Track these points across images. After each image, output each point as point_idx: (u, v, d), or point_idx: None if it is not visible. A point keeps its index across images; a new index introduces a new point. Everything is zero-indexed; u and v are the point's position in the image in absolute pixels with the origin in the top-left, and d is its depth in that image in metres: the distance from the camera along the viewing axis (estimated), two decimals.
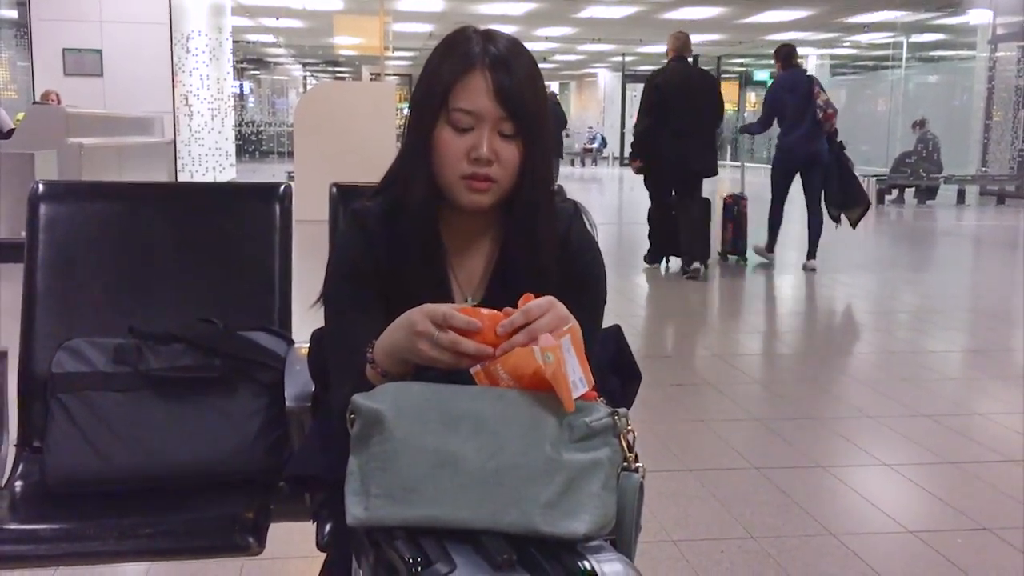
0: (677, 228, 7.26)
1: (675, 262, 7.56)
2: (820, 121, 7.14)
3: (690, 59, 7.35)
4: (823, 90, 7.36)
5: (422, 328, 1.16)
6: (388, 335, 1.23)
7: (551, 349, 1.12)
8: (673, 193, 7.28)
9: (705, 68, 7.45)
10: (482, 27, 1.36)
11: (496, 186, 1.31)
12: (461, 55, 1.30)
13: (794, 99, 7.28)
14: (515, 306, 1.18)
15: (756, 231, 7.99)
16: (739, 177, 9.00)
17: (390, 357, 1.23)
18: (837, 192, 7.30)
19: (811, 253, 7.54)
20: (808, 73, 7.71)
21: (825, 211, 7.46)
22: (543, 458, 1.12)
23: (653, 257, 7.58)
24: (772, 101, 7.59)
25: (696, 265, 7.13)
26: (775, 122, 7.58)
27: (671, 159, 6.98)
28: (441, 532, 1.10)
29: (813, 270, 7.48)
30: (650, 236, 7.56)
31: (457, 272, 1.41)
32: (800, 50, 24.46)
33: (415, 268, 1.37)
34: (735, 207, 7.77)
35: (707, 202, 7.40)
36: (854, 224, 7.53)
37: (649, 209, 7.53)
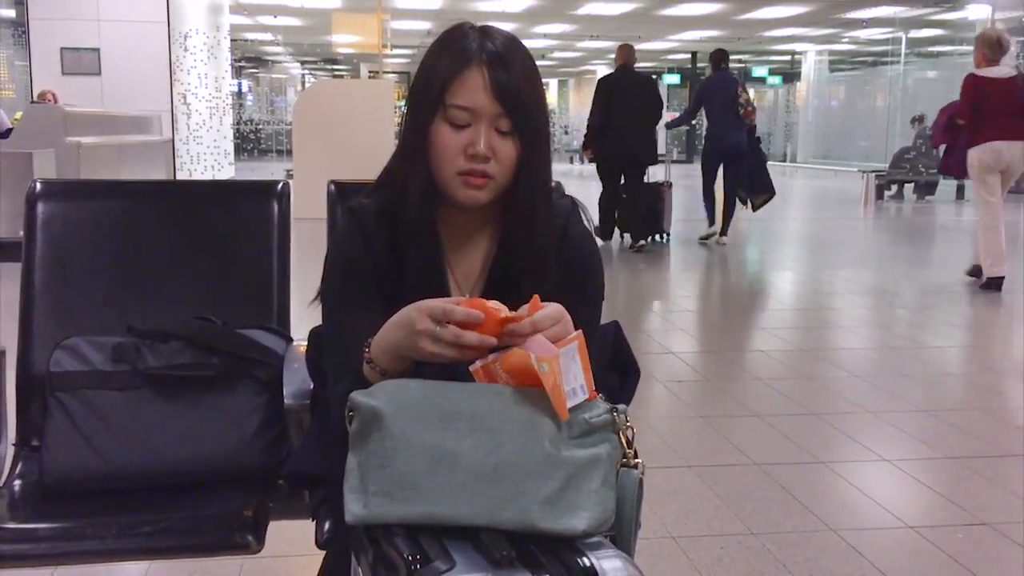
0: (624, 209, 8.55)
1: (626, 238, 8.75)
2: (741, 117, 8.37)
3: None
4: (745, 91, 8.59)
5: (422, 327, 1.16)
6: (385, 333, 1.23)
7: (547, 360, 1.12)
8: (623, 179, 8.45)
9: (647, 74, 9.01)
10: (479, 24, 1.35)
11: (493, 183, 1.31)
12: (458, 51, 1.30)
13: (721, 98, 8.45)
14: (517, 303, 1.18)
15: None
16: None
17: (388, 355, 1.22)
18: (746, 178, 8.55)
19: (724, 231, 8.74)
20: (734, 76, 8.93)
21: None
22: (542, 455, 1.12)
23: (604, 233, 8.61)
24: (698, 98, 8.98)
25: (642, 242, 8.44)
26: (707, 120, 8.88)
27: (618, 148, 8.18)
28: (440, 529, 1.10)
29: (724, 244, 8.71)
30: (601, 217, 8.60)
31: (454, 268, 1.41)
32: (798, 46, 24.58)
33: (412, 265, 1.36)
34: (661, 192, 8.95)
35: (656, 186, 8.81)
36: (755, 208, 8.80)
37: (600, 195, 8.61)
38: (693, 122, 9.35)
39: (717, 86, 8.57)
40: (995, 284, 6.39)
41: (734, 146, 8.43)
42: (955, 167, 6.69)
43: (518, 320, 1.15)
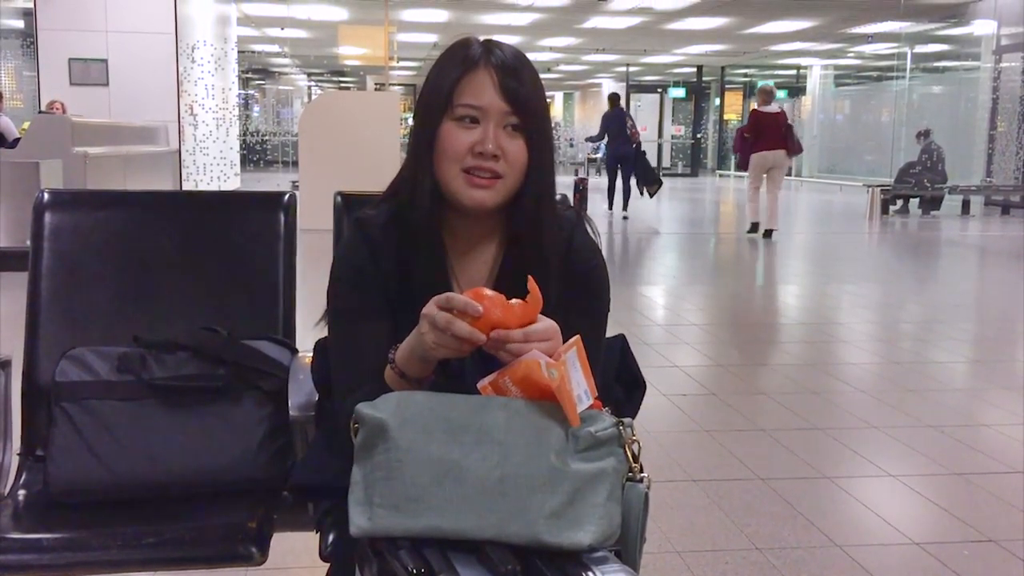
0: None
1: None
2: (629, 137, 12.94)
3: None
4: (631, 119, 13.40)
5: (426, 311, 1.17)
6: (407, 342, 1.24)
7: (555, 366, 1.12)
8: None
9: None
10: (484, 37, 1.37)
11: (502, 183, 1.31)
12: (464, 57, 1.32)
13: (616, 125, 13.05)
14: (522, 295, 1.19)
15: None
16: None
17: (407, 356, 1.24)
18: (641, 177, 12.94)
19: (624, 207, 13.17)
20: (624, 110, 13.81)
21: (635, 187, 13.14)
22: (548, 468, 1.12)
23: None
24: (603, 125, 13.40)
25: None
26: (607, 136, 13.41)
27: None
28: (444, 543, 1.10)
29: (626, 218, 12.91)
30: None
31: (460, 277, 1.41)
32: (803, 61, 24.76)
33: (418, 274, 1.37)
34: (580, 185, 12.71)
35: (580, 180, 12.96)
36: (651, 195, 13.30)
37: None
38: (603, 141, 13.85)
39: (613, 117, 13.15)
40: (768, 234, 10.57)
41: (623, 155, 12.98)
42: (743, 166, 11.21)
43: (508, 330, 1.16)
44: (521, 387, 1.14)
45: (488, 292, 1.16)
